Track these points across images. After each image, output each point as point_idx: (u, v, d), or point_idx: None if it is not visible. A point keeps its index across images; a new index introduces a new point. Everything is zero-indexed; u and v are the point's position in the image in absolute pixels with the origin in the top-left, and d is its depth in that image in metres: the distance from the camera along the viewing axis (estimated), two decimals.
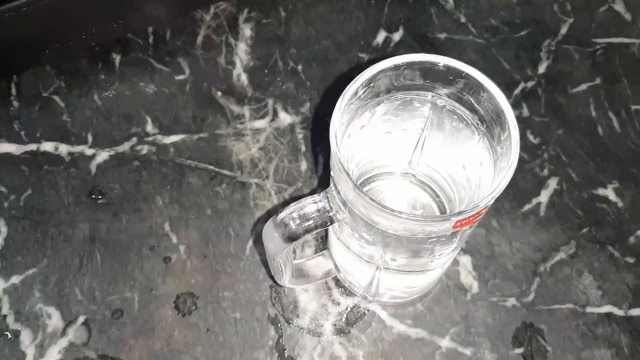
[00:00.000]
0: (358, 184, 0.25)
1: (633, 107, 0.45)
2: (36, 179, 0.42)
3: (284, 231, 0.28)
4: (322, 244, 0.40)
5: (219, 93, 0.45)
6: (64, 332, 0.37)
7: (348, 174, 0.25)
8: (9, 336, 0.37)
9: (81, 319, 0.38)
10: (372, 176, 0.34)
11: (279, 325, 0.38)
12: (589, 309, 0.38)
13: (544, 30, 0.48)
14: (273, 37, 0.47)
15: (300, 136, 0.43)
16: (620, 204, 0.41)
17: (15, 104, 0.45)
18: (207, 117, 0.44)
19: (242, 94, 0.45)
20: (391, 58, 0.27)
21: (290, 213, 0.28)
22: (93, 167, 0.42)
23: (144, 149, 0.43)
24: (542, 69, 0.46)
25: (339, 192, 0.27)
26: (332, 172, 0.28)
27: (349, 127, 0.29)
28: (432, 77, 0.28)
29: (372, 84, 0.28)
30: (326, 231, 0.38)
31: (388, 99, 0.30)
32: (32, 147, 0.43)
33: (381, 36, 0.47)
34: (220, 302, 0.38)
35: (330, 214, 0.28)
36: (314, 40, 0.47)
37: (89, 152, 0.43)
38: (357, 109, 0.29)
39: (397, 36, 0.47)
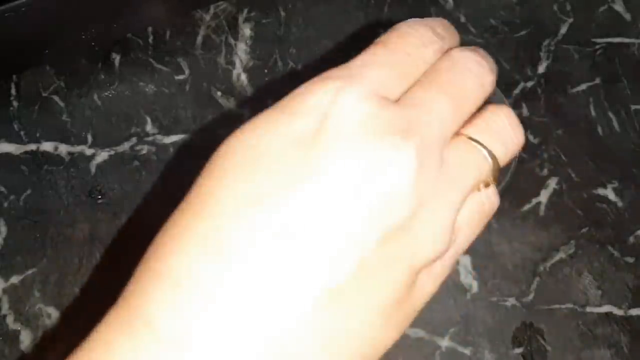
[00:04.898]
0: None
1: (633, 107, 0.45)
2: (36, 179, 0.42)
3: None
4: None
5: (219, 93, 0.45)
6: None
7: None
8: (9, 336, 0.37)
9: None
10: None
11: None
12: (588, 309, 0.38)
13: (543, 30, 0.48)
14: (273, 37, 0.47)
15: None
16: (620, 204, 0.41)
17: (15, 104, 0.45)
18: (207, 117, 0.44)
19: (242, 94, 0.45)
20: None
21: None
22: (93, 167, 0.42)
23: (144, 149, 0.43)
24: (541, 69, 0.46)
25: None
26: None
27: None
28: None
29: None
30: None
31: None
32: (32, 147, 0.43)
33: None
34: None
35: None
36: (314, 40, 0.47)
37: (89, 152, 0.43)
38: None
39: None
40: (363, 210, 0.20)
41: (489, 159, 0.23)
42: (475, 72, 0.24)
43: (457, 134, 0.23)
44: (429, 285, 0.23)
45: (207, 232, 0.20)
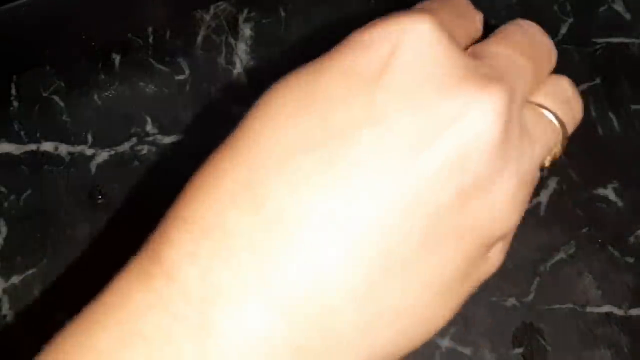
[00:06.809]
0: None
1: (633, 107, 0.45)
2: (36, 179, 0.42)
3: None
4: None
5: (219, 93, 0.45)
6: None
7: None
8: (9, 336, 0.37)
9: None
10: None
11: None
12: (589, 309, 0.38)
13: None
14: (273, 37, 0.47)
15: None
16: (620, 204, 0.41)
17: (15, 104, 0.45)
18: (207, 117, 0.44)
19: (242, 94, 0.45)
20: None
21: None
22: (93, 167, 0.42)
23: (144, 149, 0.43)
24: None
25: None
26: None
27: None
28: None
29: None
30: None
31: None
32: (32, 147, 0.43)
33: None
34: None
35: None
36: (314, 41, 0.47)
37: (89, 152, 0.43)
38: None
39: None
40: (435, 165, 0.17)
41: (559, 128, 0.21)
42: (545, 41, 0.22)
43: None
44: (497, 261, 0.20)
45: (245, 185, 0.17)
